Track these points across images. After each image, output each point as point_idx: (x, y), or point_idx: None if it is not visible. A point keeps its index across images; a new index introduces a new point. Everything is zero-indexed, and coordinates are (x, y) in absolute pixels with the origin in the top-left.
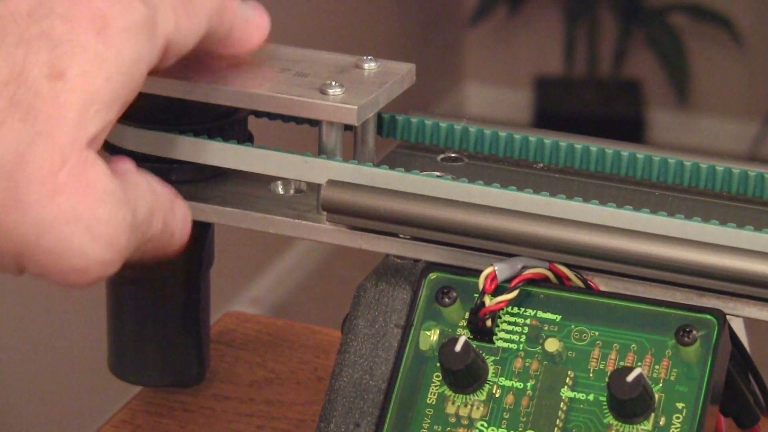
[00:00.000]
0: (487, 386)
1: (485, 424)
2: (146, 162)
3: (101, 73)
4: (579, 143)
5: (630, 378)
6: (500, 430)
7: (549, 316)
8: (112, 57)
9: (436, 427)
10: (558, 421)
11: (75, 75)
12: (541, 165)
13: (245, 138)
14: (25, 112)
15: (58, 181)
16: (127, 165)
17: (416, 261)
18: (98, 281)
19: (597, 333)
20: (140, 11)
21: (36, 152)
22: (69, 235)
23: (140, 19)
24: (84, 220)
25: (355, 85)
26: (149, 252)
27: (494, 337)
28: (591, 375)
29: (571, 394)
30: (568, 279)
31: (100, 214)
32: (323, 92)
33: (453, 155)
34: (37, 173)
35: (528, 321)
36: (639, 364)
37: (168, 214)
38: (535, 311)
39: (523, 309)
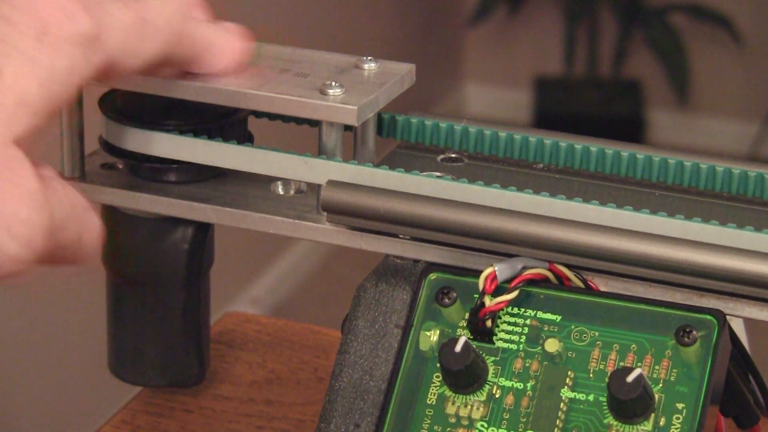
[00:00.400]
0: (487, 387)
1: (485, 425)
2: (146, 162)
3: (34, 76)
4: (579, 143)
5: (630, 378)
6: (500, 430)
7: (549, 316)
8: (47, 64)
9: (436, 427)
10: (558, 421)
11: (8, 74)
12: (541, 165)
13: (245, 138)
14: None
15: None
16: (49, 172)
17: (416, 261)
18: (11, 278)
19: (597, 333)
20: (83, 24)
21: None
22: None
23: (81, 33)
24: (4, 217)
25: (355, 86)
26: (60, 259)
27: (494, 338)
28: (591, 375)
29: (571, 395)
30: (568, 279)
31: (20, 212)
32: (323, 92)
33: (453, 156)
34: None
35: (528, 321)
36: (639, 364)
37: (83, 224)
38: (535, 311)
39: (523, 309)
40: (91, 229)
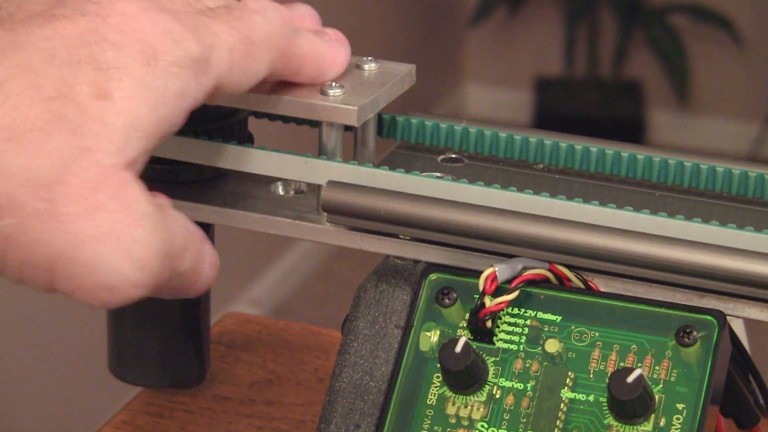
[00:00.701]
0: (487, 387)
1: (485, 425)
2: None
3: (147, 101)
4: (579, 144)
5: (630, 379)
6: (500, 430)
7: (549, 316)
8: (158, 88)
9: (436, 428)
10: (558, 422)
11: (121, 98)
12: (541, 166)
13: (245, 139)
14: (72, 127)
15: (97, 198)
16: (163, 200)
17: (416, 262)
18: (125, 303)
19: (597, 334)
20: (191, 49)
21: (78, 167)
22: (105, 252)
23: (190, 56)
24: (122, 238)
25: (356, 86)
26: (175, 289)
27: (494, 338)
28: (591, 376)
29: (572, 395)
30: (569, 280)
31: (137, 235)
32: (323, 93)
33: (453, 156)
34: (78, 188)
35: (528, 322)
36: (639, 364)
37: (199, 253)
38: (535, 312)
39: (523, 310)
40: (207, 259)
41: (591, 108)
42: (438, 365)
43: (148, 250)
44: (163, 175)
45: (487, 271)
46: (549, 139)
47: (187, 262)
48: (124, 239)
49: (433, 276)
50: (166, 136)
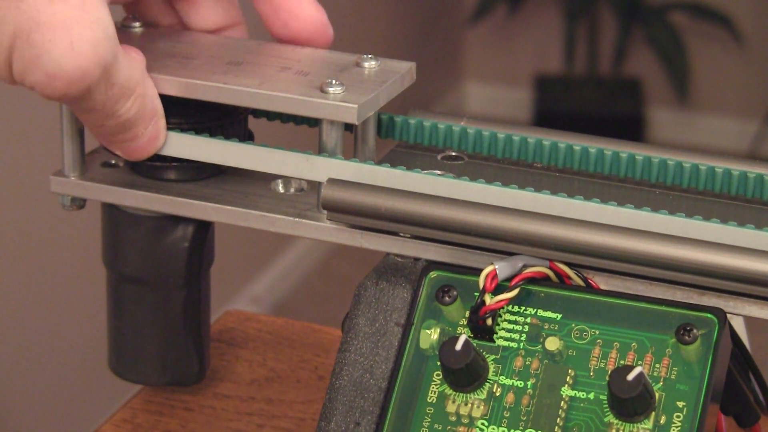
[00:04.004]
0: (487, 385)
1: (485, 423)
2: (146, 160)
3: None
4: (578, 145)
5: (630, 377)
6: (500, 428)
7: (549, 314)
8: None
9: (436, 425)
10: (558, 419)
11: None
12: (540, 166)
13: (246, 136)
14: None
15: None
16: (137, 55)
17: (417, 259)
18: (61, 98)
19: (597, 332)
20: None
21: None
22: (54, 39)
23: None
24: (70, 32)
25: (356, 84)
26: (109, 129)
27: (495, 336)
28: (591, 374)
29: (572, 393)
30: (569, 278)
31: (86, 34)
32: (324, 91)
33: (453, 154)
34: None
35: (528, 320)
36: (639, 362)
37: (145, 114)
38: (535, 310)
39: (523, 308)
40: (150, 126)
41: (591, 106)
42: (438, 363)
43: (91, 52)
44: (162, 173)
45: (488, 269)
46: (547, 140)
47: (128, 110)
48: (72, 33)
49: (433, 274)
50: None
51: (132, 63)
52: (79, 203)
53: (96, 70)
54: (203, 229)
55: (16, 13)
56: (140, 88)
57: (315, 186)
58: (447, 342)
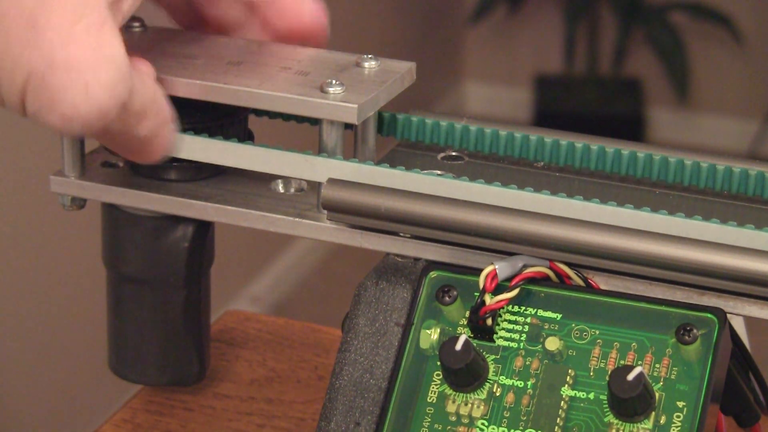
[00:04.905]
0: (487, 385)
1: (485, 423)
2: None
3: None
4: (579, 142)
5: (630, 377)
6: (500, 428)
7: (549, 314)
8: None
9: (436, 425)
10: (558, 419)
11: None
12: (542, 164)
13: (246, 136)
14: None
15: (73, 31)
16: (145, 68)
17: (417, 259)
18: (77, 134)
19: (597, 332)
20: None
21: (59, 0)
22: (69, 82)
23: None
24: (86, 74)
25: (356, 84)
26: (127, 148)
27: (495, 336)
28: (591, 374)
29: (572, 393)
30: (569, 277)
31: (101, 76)
32: (324, 91)
33: (453, 154)
34: (56, 19)
35: (528, 320)
36: (639, 362)
37: (159, 122)
38: (535, 310)
39: (523, 308)
40: (163, 133)
41: (591, 106)
42: (438, 363)
43: (107, 93)
44: (162, 173)
45: (488, 269)
46: (549, 138)
47: (144, 129)
48: (87, 75)
49: (433, 274)
50: None
51: (145, 85)
52: (79, 203)
53: (113, 110)
54: (203, 229)
55: (32, 54)
56: (155, 105)
57: (315, 186)
58: (447, 342)
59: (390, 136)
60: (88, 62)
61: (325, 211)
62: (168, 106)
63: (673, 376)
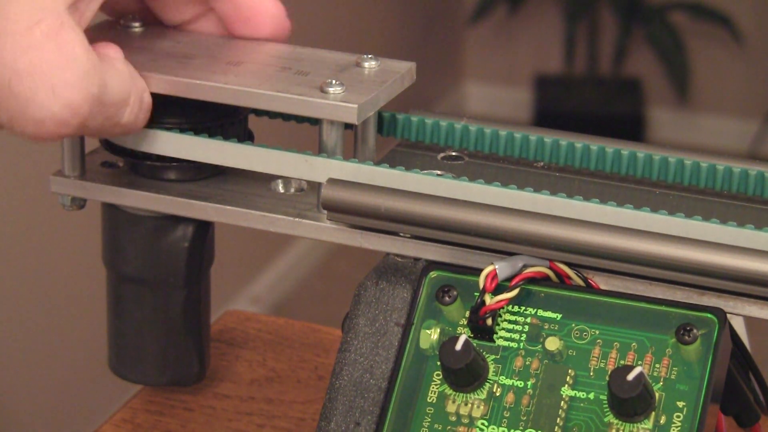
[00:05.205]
0: (487, 385)
1: (485, 423)
2: (147, 160)
3: None
4: (579, 142)
5: (630, 377)
6: (500, 428)
7: (549, 314)
8: None
9: (436, 425)
10: (558, 419)
11: None
12: (542, 164)
13: (245, 136)
14: None
15: (32, 36)
16: (113, 52)
17: (417, 260)
18: (54, 138)
19: (597, 332)
20: None
21: (15, 6)
22: (34, 87)
23: None
24: (49, 77)
25: (356, 84)
26: (111, 133)
27: (495, 336)
28: (591, 374)
29: (572, 393)
30: (569, 277)
31: (66, 76)
32: (324, 91)
33: (453, 154)
34: (14, 26)
35: (528, 320)
36: (639, 362)
37: (139, 105)
38: (535, 310)
39: (523, 308)
40: (144, 108)
41: (591, 106)
42: (438, 363)
43: (76, 92)
44: (162, 173)
45: (488, 269)
46: (549, 137)
47: (126, 116)
48: (52, 78)
49: (433, 274)
50: None
51: (118, 73)
52: (79, 203)
53: (83, 106)
54: (203, 229)
55: None
56: (134, 87)
57: (315, 186)
58: (447, 342)
59: (390, 136)
60: (51, 64)
61: (325, 211)
62: (142, 80)
63: (673, 376)
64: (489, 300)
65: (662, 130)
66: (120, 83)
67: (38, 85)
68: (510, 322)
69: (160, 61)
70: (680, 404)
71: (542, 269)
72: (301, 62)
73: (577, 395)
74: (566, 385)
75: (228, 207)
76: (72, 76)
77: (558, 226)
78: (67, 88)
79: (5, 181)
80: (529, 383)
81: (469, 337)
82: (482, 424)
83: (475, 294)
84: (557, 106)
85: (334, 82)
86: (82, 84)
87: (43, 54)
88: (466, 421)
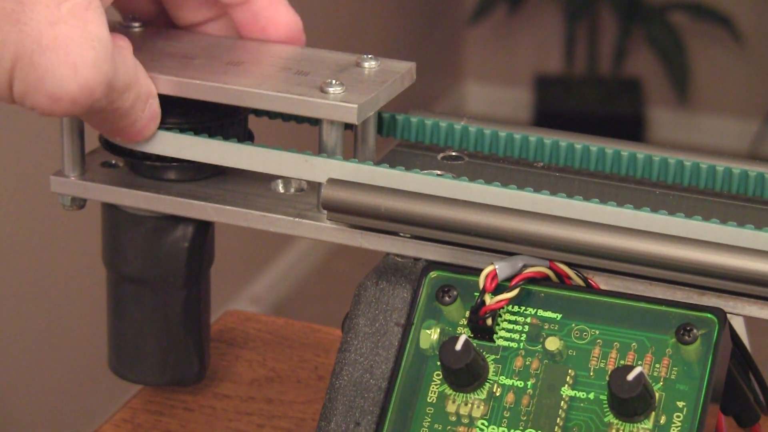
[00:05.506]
0: (487, 385)
1: (485, 423)
2: (146, 160)
3: None
4: (579, 143)
5: (630, 377)
6: (500, 428)
7: (549, 314)
8: None
9: (436, 425)
10: (558, 419)
11: None
12: (542, 164)
13: (245, 137)
14: None
15: (60, 11)
16: (124, 42)
17: (417, 260)
18: (63, 115)
19: (597, 332)
20: None
21: None
22: (57, 62)
23: None
24: (72, 54)
25: (356, 84)
26: (108, 121)
27: (495, 336)
28: (591, 374)
29: (572, 393)
30: (569, 277)
31: (88, 55)
32: (324, 91)
33: (453, 154)
34: (43, 1)
35: (528, 320)
36: (639, 362)
37: (140, 99)
38: (535, 310)
39: (523, 308)
40: (147, 109)
41: (591, 106)
42: (438, 363)
43: (94, 72)
44: (162, 173)
45: (488, 269)
46: (549, 138)
47: (127, 102)
48: (74, 55)
49: (433, 274)
50: None
51: (126, 60)
52: (79, 203)
53: (99, 87)
54: (203, 229)
55: (18, 36)
56: (136, 78)
57: (315, 186)
58: (447, 342)
59: (390, 136)
60: (75, 42)
61: (325, 211)
62: (149, 80)
63: (673, 376)
64: (489, 300)
65: (662, 130)
66: (126, 70)
67: (61, 61)
68: (510, 322)
69: (160, 61)
70: (680, 404)
71: (542, 269)
72: (301, 62)
73: (577, 395)
74: (566, 385)
75: (228, 207)
76: (95, 55)
77: (558, 226)
78: (87, 67)
79: (5, 181)
80: (529, 383)
81: (469, 337)
82: (482, 424)
83: (475, 294)
84: (557, 106)
85: (334, 82)
86: (102, 65)
87: (69, 30)
88: (466, 421)
